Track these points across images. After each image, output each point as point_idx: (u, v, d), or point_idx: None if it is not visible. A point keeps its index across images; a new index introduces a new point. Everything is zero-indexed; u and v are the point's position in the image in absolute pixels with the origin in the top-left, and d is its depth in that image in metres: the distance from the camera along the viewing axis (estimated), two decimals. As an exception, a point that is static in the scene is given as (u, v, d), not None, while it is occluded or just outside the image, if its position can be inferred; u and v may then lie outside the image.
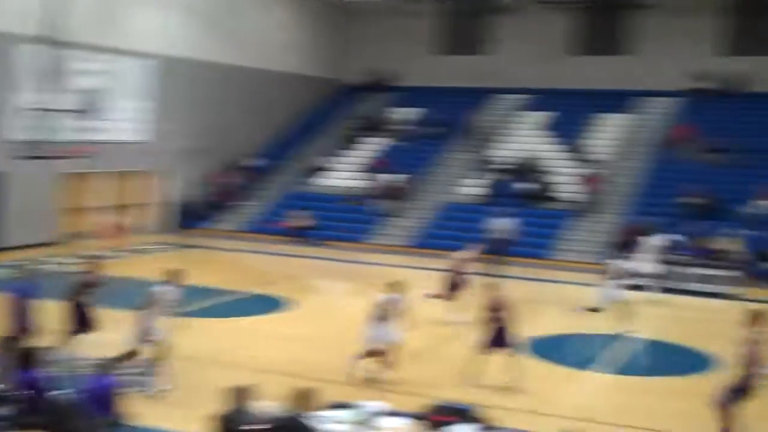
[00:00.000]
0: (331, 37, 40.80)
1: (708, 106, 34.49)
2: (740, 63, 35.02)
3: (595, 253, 27.68)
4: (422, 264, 27.27)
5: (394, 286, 13.87)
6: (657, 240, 23.98)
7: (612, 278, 18.39)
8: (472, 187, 32.87)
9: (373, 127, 37.59)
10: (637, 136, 34.27)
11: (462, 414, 10.21)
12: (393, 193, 32.63)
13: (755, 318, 11.34)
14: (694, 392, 14.10)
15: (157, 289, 12.76)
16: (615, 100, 35.77)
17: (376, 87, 40.48)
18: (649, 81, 35.56)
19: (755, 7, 34.37)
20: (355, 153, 36.37)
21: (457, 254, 19.40)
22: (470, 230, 29.96)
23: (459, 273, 18.80)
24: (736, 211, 28.51)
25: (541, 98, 36.91)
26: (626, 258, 22.49)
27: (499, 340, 13.18)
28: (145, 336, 12.35)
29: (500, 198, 31.39)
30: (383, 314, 13.42)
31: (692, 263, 24.48)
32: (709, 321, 20.67)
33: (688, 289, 23.60)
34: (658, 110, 35.55)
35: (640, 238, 24.49)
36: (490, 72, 37.86)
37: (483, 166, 33.63)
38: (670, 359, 16.80)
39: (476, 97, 37.38)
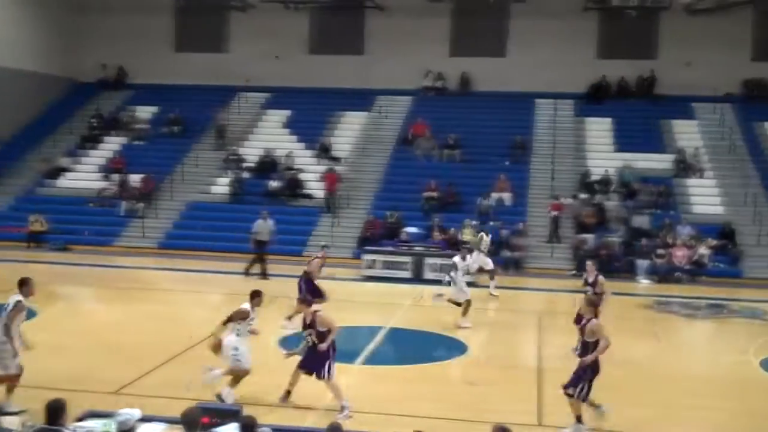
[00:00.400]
0: (63, 34, 38.61)
1: (441, 104, 36.12)
2: (468, 63, 36.96)
3: (345, 248, 28.24)
4: (169, 265, 26.72)
5: (255, 299, 12.57)
6: (488, 239, 24.25)
7: (460, 272, 18.79)
8: (217, 186, 32.49)
9: (112, 126, 36.27)
10: (377, 133, 35.22)
11: (222, 414, 9.95)
12: (136, 194, 31.60)
13: (590, 304, 11.86)
14: (447, 376, 14.73)
15: (20, 299, 11.90)
16: (355, 99, 36.56)
17: (114, 85, 39.09)
18: (386, 80, 36.55)
19: (479, 10, 36.25)
20: (94, 153, 35.02)
21: (313, 259, 18.94)
22: (217, 229, 29.81)
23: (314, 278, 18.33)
24: (472, 203, 30.11)
25: (283, 96, 37.11)
26: (373, 251, 23.00)
27: (311, 360, 12.24)
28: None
29: (246, 196, 31.39)
30: (242, 329, 12.35)
31: (433, 254, 25.48)
32: (453, 308, 21.56)
33: (430, 278, 24.56)
34: (395, 108, 36.71)
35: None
36: (231, 70, 37.45)
37: (228, 164, 33.31)
38: (423, 347, 17.36)
39: (218, 95, 36.86)
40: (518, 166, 32.68)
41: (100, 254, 28.06)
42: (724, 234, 28.19)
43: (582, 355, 11.54)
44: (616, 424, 11.84)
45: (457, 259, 19.34)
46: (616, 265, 27.18)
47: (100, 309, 21.46)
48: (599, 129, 34.72)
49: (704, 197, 30.80)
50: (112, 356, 14.82)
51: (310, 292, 17.64)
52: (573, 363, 14.98)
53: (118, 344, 15.57)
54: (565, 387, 11.57)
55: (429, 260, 25.04)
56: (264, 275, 24.21)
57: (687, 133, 33.88)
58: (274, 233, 25.38)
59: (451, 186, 30.69)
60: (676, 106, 34.81)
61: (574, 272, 26.97)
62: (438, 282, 23.52)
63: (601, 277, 17.07)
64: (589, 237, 28.14)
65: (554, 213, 29.21)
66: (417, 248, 25.70)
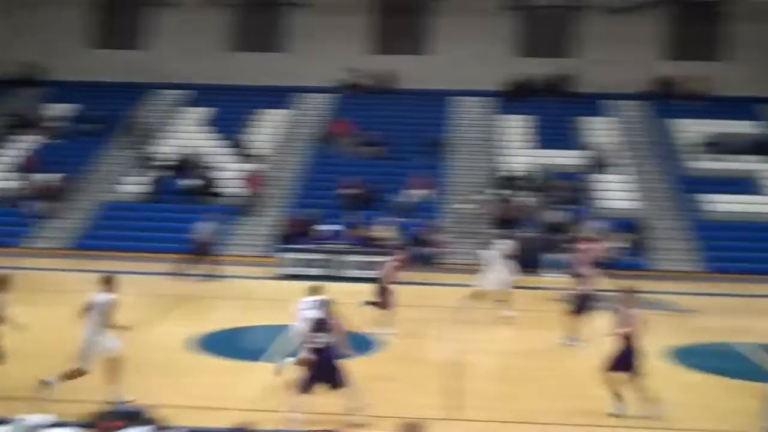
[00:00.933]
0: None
1: (361, 101, 36.22)
2: (389, 61, 37.12)
3: (261, 247, 28.13)
4: (83, 266, 26.18)
5: (108, 282, 12.84)
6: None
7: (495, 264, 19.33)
8: (133, 185, 32.04)
9: (24, 124, 35.48)
10: (296, 131, 35.15)
11: (133, 417, 9.88)
12: (48, 193, 31.01)
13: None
14: (359, 372, 14.77)
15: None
16: (274, 96, 36.40)
17: (27, 81, 38.20)
18: (306, 77, 36.48)
19: (399, 8, 36.42)
20: (6, 152, 34.13)
21: (389, 263, 19.06)
22: (132, 229, 29.39)
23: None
24: (389, 201, 30.29)
25: (202, 94, 36.76)
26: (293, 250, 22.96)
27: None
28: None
29: (162, 195, 31.08)
30: (101, 317, 12.45)
31: (350, 251, 25.58)
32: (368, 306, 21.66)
33: (346, 276, 24.62)
34: (315, 106, 36.68)
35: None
36: (149, 67, 36.97)
37: (144, 163, 32.90)
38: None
39: (135, 92, 36.38)
40: (436, 163, 32.96)
41: (7, 256, 27.29)
42: (634, 228, 28.86)
43: None
44: (526, 415, 12.07)
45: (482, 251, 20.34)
46: (528, 260, 27.66)
47: (13, 312, 20.94)
48: (517, 126, 35.20)
49: (616, 192, 31.50)
50: (24, 361, 14.51)
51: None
52: (486, 357, 15.24)
53: (24, 349, 15.25)
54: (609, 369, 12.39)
55: (345, 258, 25.12)
56: (189, 274, 24.09)
57: (602, 130, 34.59)
58: (216, 235, 25.25)
59: (367, 183, 30.80)
60: (591, 103, 35.57)
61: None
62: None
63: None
64: (504, 233, 28.45)
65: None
66: (334, 246, 25.72)
